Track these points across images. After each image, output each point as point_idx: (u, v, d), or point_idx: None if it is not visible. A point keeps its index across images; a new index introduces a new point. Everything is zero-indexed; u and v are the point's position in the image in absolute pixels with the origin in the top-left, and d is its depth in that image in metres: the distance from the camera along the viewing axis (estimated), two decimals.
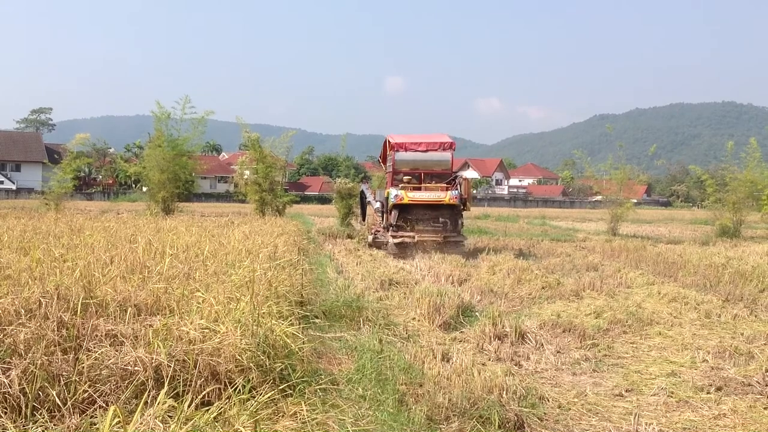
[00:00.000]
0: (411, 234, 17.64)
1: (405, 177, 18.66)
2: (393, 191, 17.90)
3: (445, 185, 18.10)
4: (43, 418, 4.21)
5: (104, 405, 4.46)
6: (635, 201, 40.11)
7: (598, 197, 49.48)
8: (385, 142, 20.49)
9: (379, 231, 19.79)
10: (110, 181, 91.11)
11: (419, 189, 18.06)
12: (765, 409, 5.85)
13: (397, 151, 18.85)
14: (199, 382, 4.88)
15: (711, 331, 8.99)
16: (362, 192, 24.70)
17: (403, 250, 17.47)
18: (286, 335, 5.91)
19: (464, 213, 18.72)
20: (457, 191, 17.65)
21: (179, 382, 4.81)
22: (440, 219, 17.77)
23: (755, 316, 9.95)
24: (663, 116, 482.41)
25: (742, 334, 8.68)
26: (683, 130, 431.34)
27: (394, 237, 17.79)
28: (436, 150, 18.79)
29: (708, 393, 6.25)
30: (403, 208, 17.86)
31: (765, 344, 8.07)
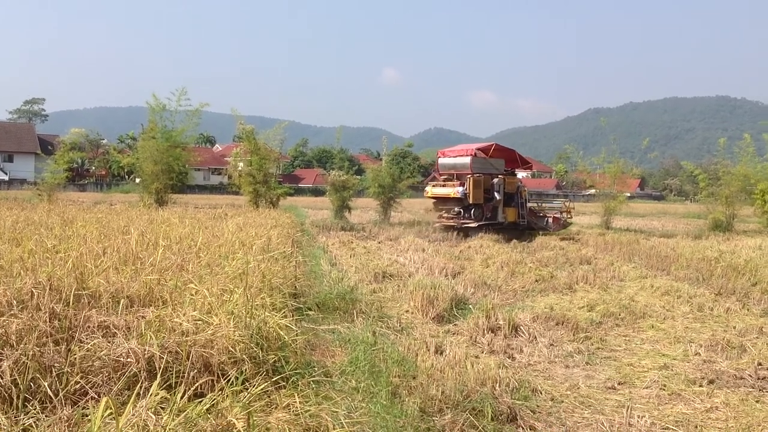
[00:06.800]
0: (439, 220, 23.33)
1: (442, 177, 23.66)
2: (427, 188, 24.32)
3: (459, 182, 22.51)
4: (34, 409, 4.18)
5: (96, 396, 4.44)
6: (628, 194, 40.11)
7: (592, 191, 49.50)
8: None
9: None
10: (103, 173, 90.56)
11: (443, 186, 23.16)
12: (757, 402, 5.88)
13: (440, 157, 24.66)
14: (192, 374, 4.87)
15: (703, 324, 9.03)
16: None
17: (445, 233, 22.27)
18: (279, 327, 5.90)
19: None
20: (462, 188, 22.15)
21: (172, 374, 4.79)
22: (455, 209, 22.78)
23: (747, 310, 9.99)
24: (657, 110, 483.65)
25: (734, 327, 8.73)
26: (677, 124, 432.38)
27: (436, 222, 23.64)
28: (460, 156, 23.27)
29: (700, 386, 6.28)
30: (439, 201, 23.56)
31: (757, 338, 8.11)
